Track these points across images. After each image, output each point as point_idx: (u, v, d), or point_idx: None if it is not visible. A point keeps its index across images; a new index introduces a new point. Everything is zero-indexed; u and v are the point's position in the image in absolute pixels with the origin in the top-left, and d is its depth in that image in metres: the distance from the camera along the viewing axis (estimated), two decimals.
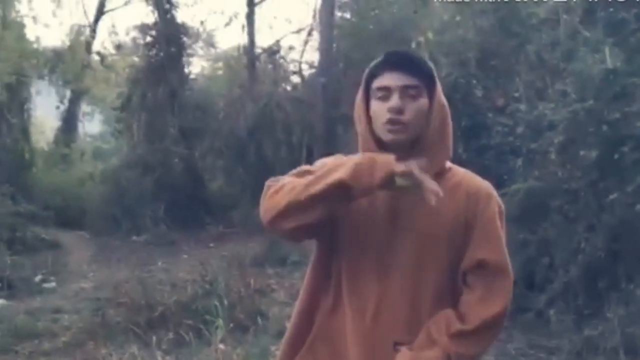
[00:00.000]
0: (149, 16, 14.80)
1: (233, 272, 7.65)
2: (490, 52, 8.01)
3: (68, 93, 19.74)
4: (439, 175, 1.84)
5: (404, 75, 1.80)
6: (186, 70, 15.22)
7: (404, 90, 1.79)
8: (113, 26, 25.92)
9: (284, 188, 1.80)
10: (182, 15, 15.24)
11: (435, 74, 1.85)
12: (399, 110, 1.78)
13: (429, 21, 9.06)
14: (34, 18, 17.48)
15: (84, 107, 21.68)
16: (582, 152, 6.12)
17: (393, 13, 11.74)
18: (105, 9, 20.20)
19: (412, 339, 1.83)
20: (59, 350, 5.97)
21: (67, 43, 19.25)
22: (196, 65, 19.56)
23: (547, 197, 6.55)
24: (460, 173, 1.91)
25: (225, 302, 6.11)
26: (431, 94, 1.82)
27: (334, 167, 1.78)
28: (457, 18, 8.17)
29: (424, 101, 1.81)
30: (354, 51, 13.71)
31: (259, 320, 6.26)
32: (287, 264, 8.90)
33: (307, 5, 24.24)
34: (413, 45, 8.45)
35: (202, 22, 17.07)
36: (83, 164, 17.72)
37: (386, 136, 1.81)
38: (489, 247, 1.83)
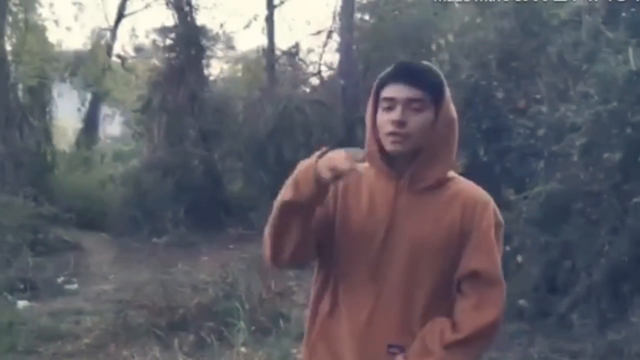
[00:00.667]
0: (169, 19, 14.89)
1: (253, 275, 7.65)
2: (511, 53, 7.96)
3: (89, 96, 19.92)
4: (439, 184, 1.89)
5: (410, 87, 1.83)
6: (206, 72, 15.28)
7: (408, 103, 1.83)
8: (133, 29, 26.10)
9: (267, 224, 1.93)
10: (201, 18, 15.26)
11: (446, 88, 1.88)
12: (401, 123, 1.82)
13: (449, 23, 9.03)
14: (56, 22, 17.64)
15: (105, 110, 21.86)
16: (605, 155, 6.06)
17: (413, 15, 11.70)
18: (126, 12, 20.37)
19: (405, 341, 1.87)
20: (82, 351, 6.01)
21: (88, 46, 19.43)
22: (215, 68, 19.64)
23: (570, 200, 6.50)
24: (462, 184, 1.94)
25: (246, 304, 6.11)
26: (438, 107, 1.86)
27: (284, 188, 1.86)
28: (478, 20, 8.12)
29: (428, 114, 1.84)
30: (373, 53, 13.70)
31: (280, 322, 6.26)
32: (307, 266, 8.88)
33: (326, 7, 24.21)
34: (433, 47, 8.43)
35: (221, 25, 17.08)
36: (104, 166, 17.84)
37: (388, 147, 1.86)
38: (482, 257, 1.86)
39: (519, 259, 6.79)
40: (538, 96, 7.60)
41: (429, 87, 1.85)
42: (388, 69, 1.89)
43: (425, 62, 1.99)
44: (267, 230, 1.93)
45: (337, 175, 1.74)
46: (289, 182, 1.84)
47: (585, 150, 6.39)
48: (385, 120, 1.84)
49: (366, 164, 1.89)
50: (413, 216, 1.87)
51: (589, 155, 6.40)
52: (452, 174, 1.95)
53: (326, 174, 1.74)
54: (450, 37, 8.28)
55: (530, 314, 6.57)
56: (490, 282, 1.86)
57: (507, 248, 6.90)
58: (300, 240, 1.88)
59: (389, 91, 1.85)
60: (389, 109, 1.84)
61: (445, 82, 1.90)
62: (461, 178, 1.96)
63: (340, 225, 1.95)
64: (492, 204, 1.93)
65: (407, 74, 1.86)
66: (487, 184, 6.68)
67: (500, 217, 1.94)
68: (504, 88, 7.72)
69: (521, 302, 6.70)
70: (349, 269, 1.94)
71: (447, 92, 1.89)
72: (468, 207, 1.87)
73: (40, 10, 16.81)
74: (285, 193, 1.83)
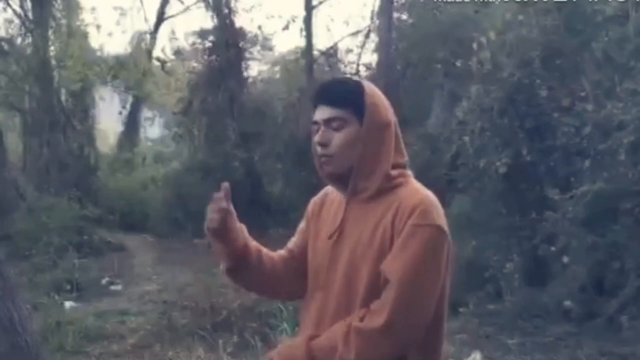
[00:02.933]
0: (208, 21, 15.03)
1: None
2: (554, 51, 7.82)
3: (130, 98, 20.20)
4: (382, 192, 1.84)
5: (328, 107, 1.83)
6: (245, 74, 15.38)
7: (328, 123, 1.83)
8: (172, 32, 26.33)
9: None
10: (240, 20, 15.37)
11: (366, 97, 1.82)
12: (323, 145, 1.83)
13: (490, 21, 8.91)
14: (98, 27, 17.90)
15: (145, 112, 22.14)
16: None
17: (453, 13, 11.60)
18: (165, 15, 20.59)
19: None
20: (127, 352, 6.09)
21: (129, 50, 19.69)
22: (253, 69, 19.77)
23: (617, 199, 6.38)
24: (406, 189, 1.86)
25: (289, 305, 6.12)
26: (362, 119, 1.82)
27: None
28: (520, 17, 7.99)
29: (351, 130, 1.82)
30: (412, 52, 13.63)
31: None
32: None
33: (364, 7, 24.18)
34: (474, 45, 8.31)
35: (259, 27, 17.19)
36: (145, 168, 18.09)
37: (319, 169, 1.89)
38: (393, 260, 1.78)
39: (565, 259, 6.68)
40: (583, 94, 7.45)
41: (346, 102, 1.82)
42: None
43: (342, 77, 2.04)
44: None
45: (218, 220, 1.88)
46: None
47: (633, 149, 6.26)
48: (313, 143, 1.86)
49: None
50: (357, 225, 1.87)
51: (637, 153, 6.27)
52: (403, 178, 1.89)
53: (212, 223, 1.89)
54: (492, 35, 8.15)
55: (576, 315, 6.45)
56: (394, 285, 1.75)
57: (552, 248, 6.80)
58: (262, 281, 2.07)
59: (315, 114, 1.87)
60: (316, 132, 1.86)
61: (365, 90, 1.84)
62: (412, 182, 1.89)
63: (310, 249, 2.02)
64: (428, 209, 1.80)
65: (325, 94, 1.86)
66: (531, 184, 6.62)
67: (432, 219, 1.80)
68: (548, 86, 7.58)
69: (567, 303, 6.59)
70: (310, 285, 1.99)
71: (371, 100, 1.84)
72: (399, 212, 1.80)
73: (82, 15, 17.11)
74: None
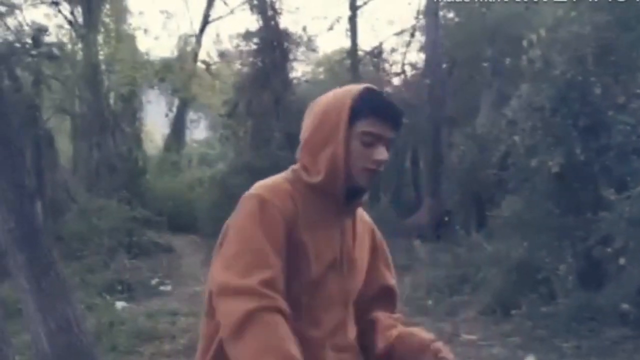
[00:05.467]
0: (252, 24, 15.09)
1: None
2: (608, 47, 7.62)
3: (176, 101, 20.45)
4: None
5: (391, 129, 1.79)
6: (289, 75, 15.41)
7: (388, 143, 1.79)
8: (217, 35, 26.64)
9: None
10: (284, 21, 15.43)
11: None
12: (384, 163, 1.78)
13: (540, 18, 8.73)
14: (145, 30, 18.18)
15: (191, 115, 22.38)
16: None
17: (501, 11, 11.42)
18: (210, 18, 20.79)
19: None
20: (179, 352, 6.14)
21: (175, 53, 19.93)
22: (298, 70, 19.80)
23: None
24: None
25: None
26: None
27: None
28: (572, 14, 7.81)
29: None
30: (459, 51, 13.47)
31: None
32: (396, 269, 8.81)
33: (409, 7, 24.00)
34: (524, 43, 8.15)
35: (304, 28, 17.20)
36: (191, 170, 18.26)
37: (362, 181, 1.79)
38: (390, 272, 2.02)
39: (621, 261, 6.50)
40: (638, 91, 7.25)
41: (399, 129, 1.82)
42: (366, 99, 1.78)
43: (393, 100, 1.96)
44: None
45: None
46: None
47: None
48: (367, 155, 1.76)
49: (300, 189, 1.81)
50: (359, 249, 1.91)
51: None
52: None
53: None
54: (542, 32, 7.98)
55: (634, 318, 6.28)
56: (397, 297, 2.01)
57: (609, 250, 6.63)
58: None
59: (375, 127, 1.76)
60: (369, 144, 1.76)
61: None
62: None
63: (313, 273, 1.80)
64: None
65: (392, 114, 1.79)
66: (585, 184, 6.45)
67: None
68: (602, 83, 7.39)
69: (624, 306, 6.42)
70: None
71: None
72: (370, 228, 1.96)
73: (130, 20, 17.39)
74: None
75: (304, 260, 1.75)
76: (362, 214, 1.94)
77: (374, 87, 1.87)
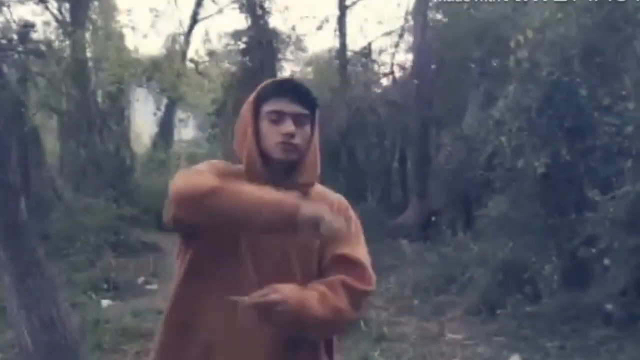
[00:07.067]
0: (241, 23, 15.08)
1: None
2: (594, 49, 7.67)
3: (164, 100, 20.37)
4: (308, 189, 2.06)
5: (297, 104, 2.01)
6: (278, 74, 15.39)
7: (296, 117, 2.00)
8: (206, 34, 26.54)
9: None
10: (273, 21, 15.41)
11: (318, 104, 2.08)
12: (292, 135, 1.98)
13: (528, 19, 8.77)
14: (133, 28, 18.08)
15: (179, 114, 22.31)
16: None
17: (489, 12, 11.46)
18: (199, 17, 20.74)
19: None
20: None
21: (164, 52, 19.85)
22: (287, 70, 19.79)
23: None
24: (320, 188, 2.14)
25: None
26: (313, 123, 2.06)
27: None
28: (559, 15, 7.85)
29: (308, 129, 2.04)
30: (447, 52, 13.51)
31: (362, 325, 6.23)
32: (383, 269, 8.84)
33: (398, 7, 24.08)
34: (512, 44, 8.19)
35: (293, 27, 17.20)
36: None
37: (278, 154, 2.00)
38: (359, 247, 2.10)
39: (606, 261, 6.55)
40: (624, 92, 7.29)
41: (310, 104, 2.04)
42: (270, 85, 2.05)
43: (300, 79, 2.08)
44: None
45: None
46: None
47: None
48: (275, 131, 1.99)
49: (235, 174, 2.00)
50: None
51: None
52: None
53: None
54: (530, 34, 8.02)
55: (618, 319, 6.33)
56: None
57: (593, 250, 6.68)
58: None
59: (277, 105, 2.00)
60: (276, 121, 1.99)
61: (318, 99, 2.11)
62: (318, 184, 2.13)
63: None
64: (345, 202, 2.16)
65: (294, 91, 2.03)
66: (570, 184, 6.49)
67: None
68: (588, 85, 7.45)
69: (608, 306, 6.47)
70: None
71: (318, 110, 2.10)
72: (334, 207, 2.05)
73: (118, 17, 17.29)
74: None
75: None
76: (325, 196, 2.11)
77: (287, 77, 2.06)
